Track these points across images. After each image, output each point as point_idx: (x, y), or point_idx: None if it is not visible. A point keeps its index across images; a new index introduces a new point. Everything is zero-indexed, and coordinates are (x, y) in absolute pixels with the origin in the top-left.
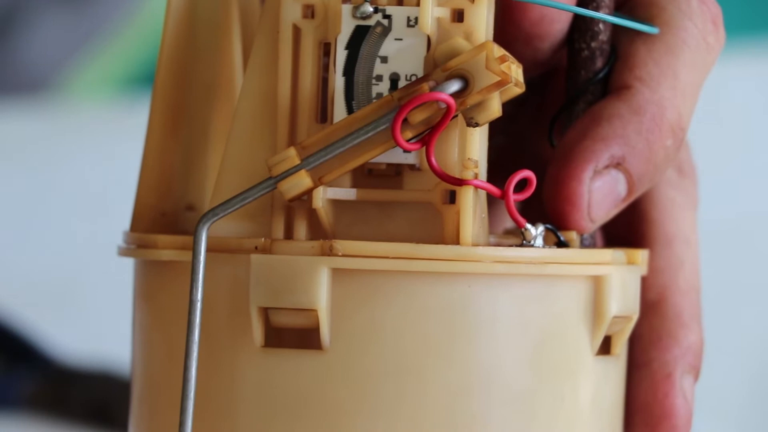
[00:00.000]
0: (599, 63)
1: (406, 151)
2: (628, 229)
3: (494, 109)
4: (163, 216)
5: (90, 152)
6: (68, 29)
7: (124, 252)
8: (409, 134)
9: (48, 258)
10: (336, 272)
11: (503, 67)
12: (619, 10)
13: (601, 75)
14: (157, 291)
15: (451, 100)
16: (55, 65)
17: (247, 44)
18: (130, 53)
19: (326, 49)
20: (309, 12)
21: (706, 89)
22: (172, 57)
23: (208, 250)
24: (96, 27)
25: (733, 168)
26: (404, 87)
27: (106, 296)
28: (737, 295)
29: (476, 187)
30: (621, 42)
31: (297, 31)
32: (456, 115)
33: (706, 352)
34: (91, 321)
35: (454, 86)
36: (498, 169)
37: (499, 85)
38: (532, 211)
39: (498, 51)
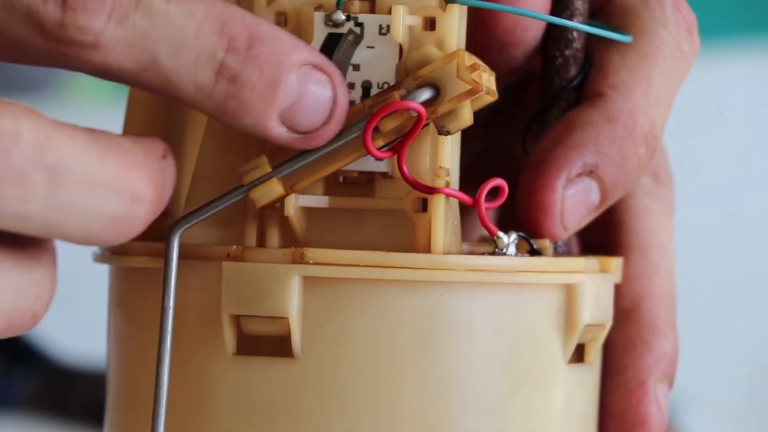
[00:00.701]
0: (573, 71)
1: (377, 159)
2: (603, 236)
3: (465, 117)
4: None
5: None
6: None
7: (98, 258)
8: (380, 142)
9: None
10: (307, 280)
11: (474, 75)
12: (594, 17)
13: (574, 83)
14: (131, 297)
15: (422, 109)
16: None
17: None
18: None
19: None
20: (281, 19)
21: (705, 89)
22: None
23: (181, 257)
24: None
25: (733, 168)
26: (375, 95)
27: (106, 296)
28: (737, 295)
29: (447, 195)
30: (595, 50)
31: None
32: (427, 124)
33: (706, 352)
34: (91, 321)
35: (425, 95)
36: (475, 175)
37: (470, 93)
38: (510, 217)
39: (469, 59)
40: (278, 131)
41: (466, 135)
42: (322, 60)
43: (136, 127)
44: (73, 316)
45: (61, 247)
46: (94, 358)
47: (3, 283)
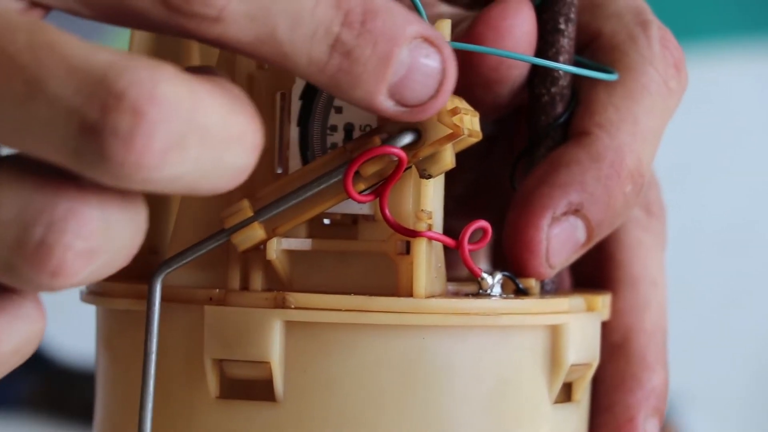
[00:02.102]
0: (559, 108)
1: (359, 203)
2: (595, 269)
3: (447, 161)
4: None
5: None
6: (68, 29)
7: (85, 299)
8: (362, 186)
9: None
10: (289, 324)
11: (455, 119)
12: (580, 53)
13: (561, 120)
14: (115, 338)
15: (403, 154)
16: None
17: None
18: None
19: (282, 100)
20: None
21: (706, 90)
22: None
23: (164, 299)
24: (96, 27)
25: (734, 168)
26: (356, 139)
27: None
28: (737, 295)
29: (430, 238)
30: (582, 86)
31: (252, 82)
32: (409, 167)
33: (706, 352)
34: (91, 321)
35: (406, 139)
36: (469, 205)
37: (451, 137)
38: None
39: (450, 103)
40: (386, 105)
41: (460, 164)
42: (433, 32)
43: None
44: (73, 316)
45: None
46: (94, 358)
47: (121, 226)
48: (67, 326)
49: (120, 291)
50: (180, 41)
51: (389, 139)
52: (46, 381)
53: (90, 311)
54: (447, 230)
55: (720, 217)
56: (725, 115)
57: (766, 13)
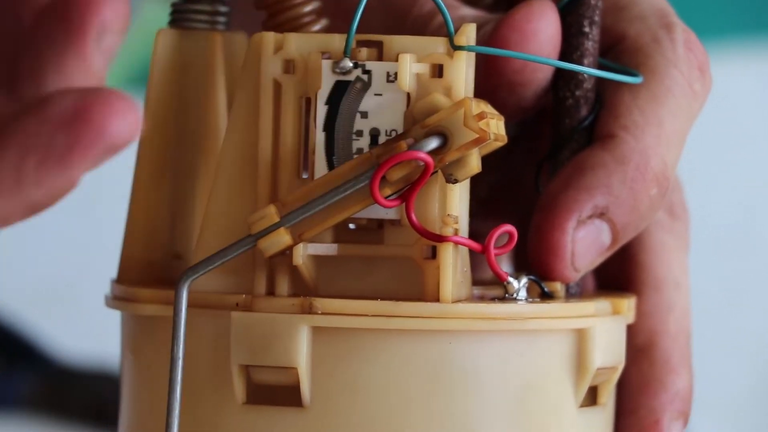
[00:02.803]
0: (584, 111)
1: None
2: (618, 272)
3: (473, 165)
4: (150, 265)
5: None
6: None
7: (110, 304)
8: (388, 191)
9: (48, 258)
10: (316, 330)
11: (481, 124)
12: (604, 56)
13: (585, 123)
14: (142, 344)
15: (429, 159)
16: None
17: (232, 93)
18: (130, 53)
19: (307, 104)
20: (289, 67)
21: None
22: (157, 107)
23: (190, 305)
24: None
25: (735, 168)
26: (383, 144)
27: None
28: (740, 295)
29: (456, 243)
30: (606, 89)
31: (278, 86)
32: (435, 172)
33: (706, 352)
34: (91, 321)
35: (433, 143)
36: (492, 206)
37: (477, 142)
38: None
39: (476, 107)
40: None
41: (484, 165)
42: None
43: (146, 174)
44: (73, 316)
45: (61, 247)
46: (94, 358)
47: None
48: (67, 326)
49: (146, 297)
50: (203, 52)
51: (415, 144)
52: (46, 381)
53: (90, 311)
54: (470, 232)
55: (721, 217)
56: (725, 115)
57: (766, 13)
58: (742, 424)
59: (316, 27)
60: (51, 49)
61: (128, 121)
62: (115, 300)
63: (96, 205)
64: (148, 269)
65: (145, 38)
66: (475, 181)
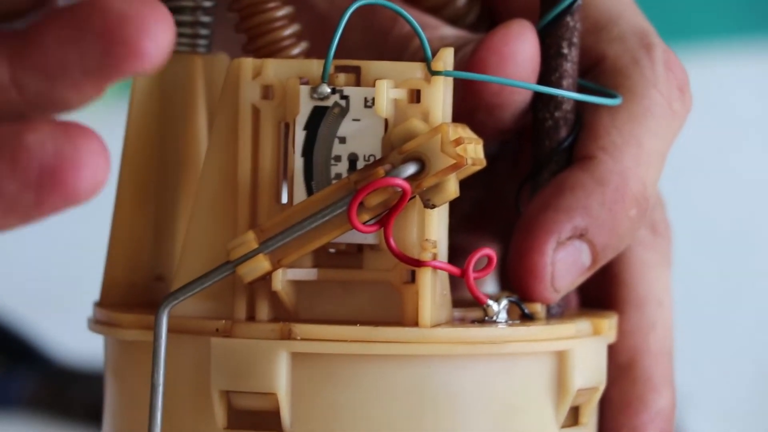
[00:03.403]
0: (563, 132)
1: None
2: (601, 290)
3: (451, 190)
4: (132, 287)
5: None
6: None
7: (92, 328)
8: (366, 216)
9: (48, 258)
10: (295, 356)
11: (459, 149)
12: (584, 76)
13: (565, 144)
14: (123, 369)
15: (407, 185)
16: None
17: (213, 116)
18: None
19: (286, 130)
20: (268, 93)
21: (705, 90)
22: (138, 130)
23: (171, 330)
24: None
25: (734, 168)
26: (360, 170)
27: None
28: (738, 294)
29: (435, 268)
30: (586, 110)
31: (256, 112)
32: (413, 197)
33: (706, 351)
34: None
35: (410, 169)
36: (476, 222)
37: (455, 168)
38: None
39: (454, 133)
40: None
41: (467, 182)
42: None
43: (128, 197)
44: (73, 316)
45: (60, 247)
46: (94, 358)
47: None
48: (67, 326)
49: (127, 322)
50: (183, 76)
51: (393, 171)
52: (46, 381)
53: (90, 311)
54: (452, 247)
55: (721, 216)
56: (725, 115)
57: (766, 13)
58: (738, 423)
59: (296, 50)
60: (73, 63)
61: (97, 176)
62: (97, 324)
63: (96, 206)
64: (131, 291)
65: None
66: (458, 197)
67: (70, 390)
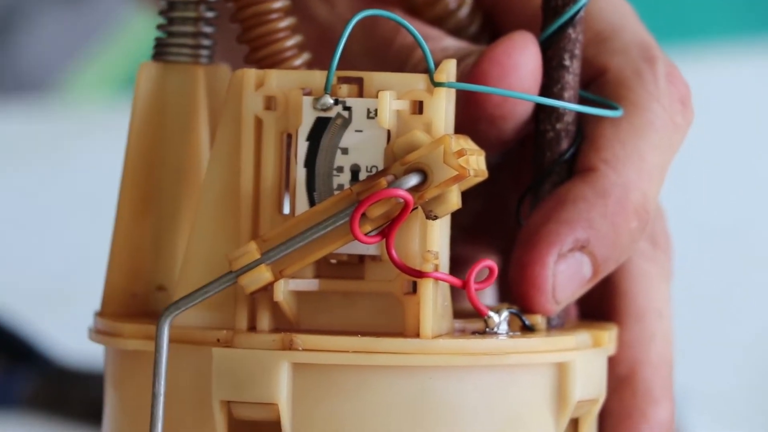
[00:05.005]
0: (564, 144)
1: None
2: (601, 301)
3: (453, 202)
4: (133, 297)
5: (90, 152)
6: (68, 29)
7: (93, 338)
8: (368, 227)
9: (48, 258)
10: (296, 366)
11: (461, 161)
12: (586, 88)
13: (566, 156)
14: (124, 379)
15: (409, 197)
16: (55, 65)
17: (214, 126)
18: (130, 53)
19: (288, 140)
20: (270, 103)
21: (705, 90)
22: (140, 140)
23: (172, 340)
24: (96, 27)
25: (734, 167)
26: (363, 181)
27: None
28: (738, 293)
29: (436, 279)
30: (587, 122)
31: (259, 123)
32: (415, 208)
33: (706, 351)
34: (91, 321)
35: (413, 180)
36: (477, 233)
37: (457, 179)
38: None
39: (456, 144)
40: None
41: (466, 193)
42: None
43: (129, 207)
44: (73, 316)
45: (62, 246)
46: (94, 358)
47: None
48: (67, 326)
49: (128, 332)
50: (185, 86)
51: (395, 182)
52: (46, 381)
53: (90, 311)
54: (453, 259)
55: (720, 215)
56: (725, 115)
57: (766, 13)
58: (736, 419)
59: (299, 61)
60: None
61: None
62: (98, 334)
63: (96, 206)
64: (132, 301)
65: (145, 38)
66: (460, 208)
67: (70, 390)
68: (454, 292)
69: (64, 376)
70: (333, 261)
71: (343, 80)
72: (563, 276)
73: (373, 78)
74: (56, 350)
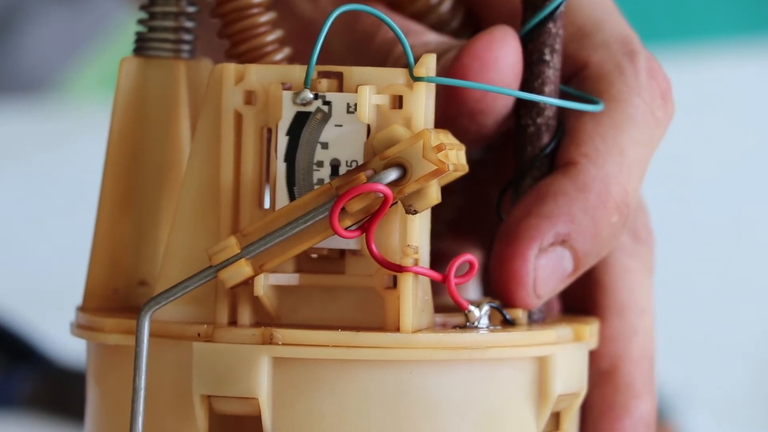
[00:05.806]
0: (545, 138)
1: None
2: (583, 296)
3: (433, 196)
4: (115, 292)
5: (90, 152)
6: (67, 29)
7: (74, 332)
8: (348, 222)
9: (48, 258)
10: (277, 361)
11: (440, 155)
12: (567, 83)
13: (547, 150)
14: (105, 373)
15: (388, 191)
16: (54, 65)
17: (196, 121)
18: (130, 53)
19: (269, 135)
20: (250, 98)
21: (705, 90)
22: (121, 135)
23: (153, 335)
24: (95, 27)
25: (734, 167)
26: (342, 176)
27: None
28: (738, 293)
29: (416, 273)
30: (568, 117)
31: (239, 117)
32: (395, 203)
33: (706, 351)
34: None
35: (392, 175)
36: (460, 228)
37: (436, 174)
38: None
39: (435, 139)
40: None
41: (448, 188)
42: None
43: (110, 202)
44: (73, 316)
45: (61, 246)
46: None
47: None
48: (67, 326)
49: (109, 326)
50: (166, 80)
51: (375, 176)
52: (46, 381)
53: None
54: (435, 253)
55: (720, 215)
56: (725, 115)
57: (766, 13)
58: (737, 419)
59: (279, 56)
60: None
61: None
62: (79, 328)
63: (96, 205)
64: (114, 296)
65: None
66: (441, 203)
67: (70, 390)
68: (436, 287)
69: (63, 376)
70: (313, 255)
71: (323, 75)
72: (544, 270)
73: (353, 72)
74: (56, 350)
